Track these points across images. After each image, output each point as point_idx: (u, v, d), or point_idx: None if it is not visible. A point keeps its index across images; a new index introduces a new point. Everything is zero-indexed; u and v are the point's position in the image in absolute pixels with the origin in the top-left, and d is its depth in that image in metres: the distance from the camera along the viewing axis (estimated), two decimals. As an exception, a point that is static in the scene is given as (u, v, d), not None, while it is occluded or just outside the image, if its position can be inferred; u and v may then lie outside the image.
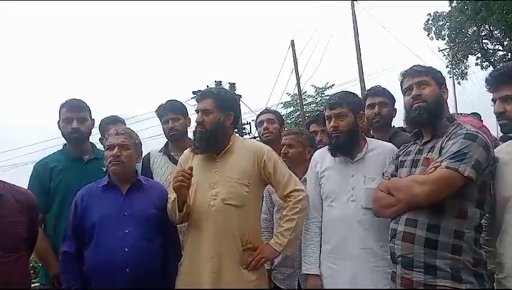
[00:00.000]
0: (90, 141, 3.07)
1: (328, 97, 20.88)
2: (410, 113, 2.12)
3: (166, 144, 3.26)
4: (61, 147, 3.06)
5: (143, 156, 2.80)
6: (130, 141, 2.50)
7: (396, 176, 2.16)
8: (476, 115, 5.95)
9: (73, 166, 2.89)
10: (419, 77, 2.10)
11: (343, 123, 2.42)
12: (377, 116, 2.95)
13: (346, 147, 2.43)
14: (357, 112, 2.46)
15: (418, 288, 1.90)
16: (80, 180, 2.66)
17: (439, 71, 2.19)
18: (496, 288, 1.97)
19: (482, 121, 5.87)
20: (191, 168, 2.29)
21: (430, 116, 2.06)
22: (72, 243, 2.41)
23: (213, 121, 2.43)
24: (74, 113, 2.90)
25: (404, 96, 2.19)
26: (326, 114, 2.51)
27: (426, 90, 2.07)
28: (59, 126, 2.97)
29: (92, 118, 3.05)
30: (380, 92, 3.03)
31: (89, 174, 2.68)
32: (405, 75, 2.17)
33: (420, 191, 1.90)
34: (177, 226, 2.57)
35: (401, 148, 2.28)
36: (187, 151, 2.60)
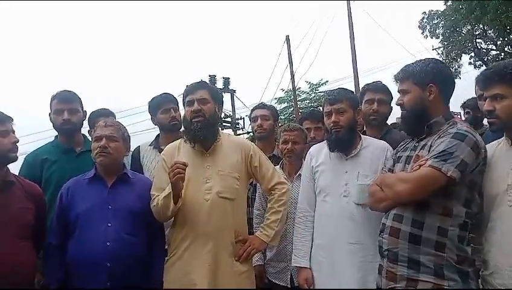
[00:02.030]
0: (82, 132, 3.05)
1: (322, 93, 20.88)
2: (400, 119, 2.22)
3: (157, 137, 3.23)
4: (53, 139, 3.04)
5: (133, 149, 2.79)
6: (118, 133, 2.48)
7: (393, 171, 2.19)
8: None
9: (65, 158, 2.87)
10: (400, 85, 2.14)
11: (344, 118, 2.44)
12: (375, 113, 2.89)
13: (345, 142, 2.45)
14: (355, 108, 2.50)
15: (401, 281, 1.93)
16: (72, 172, 2.64)
17: (423, 70, 2.08)
18: (481, 285, 1.99)
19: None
20: (185, 164, 2.26)
21: (410, 124, 2.14)
22: (56, 235, 2.40)
23: (211, 110, 2.46)
24: (65, 105, 2.88)
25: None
26: (325, 110, 2.51)
27: (406, 98, 2.11)
28: (50, 118, 2.95)
29: (84, 109, 3.03)
30: (381, 88, 2.94)
31: (80, 167, 2.66)
32: (395, 78, 2.20)
33: (402, 189, 1.93)
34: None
35: (402, 143, 2.29)
36: (170, 146, 2.58)
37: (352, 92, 2.62)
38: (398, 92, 2.16)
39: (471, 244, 2.02)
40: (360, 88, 3.30)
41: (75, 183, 2.48)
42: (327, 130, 2.54)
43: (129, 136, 2.60)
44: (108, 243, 2.28)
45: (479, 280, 1.99)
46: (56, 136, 3.02)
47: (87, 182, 2.47)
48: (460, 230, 1.92)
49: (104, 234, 2.29)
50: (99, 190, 2.43)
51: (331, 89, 2.83)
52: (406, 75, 2.11)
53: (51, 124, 2.96)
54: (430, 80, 2.06)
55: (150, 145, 3.19)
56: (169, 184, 2.28)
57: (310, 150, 2.71)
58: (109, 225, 2.32)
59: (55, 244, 2.39)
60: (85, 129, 3.18)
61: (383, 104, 2.89)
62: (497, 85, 1.89)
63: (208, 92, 2.48)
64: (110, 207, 2.37)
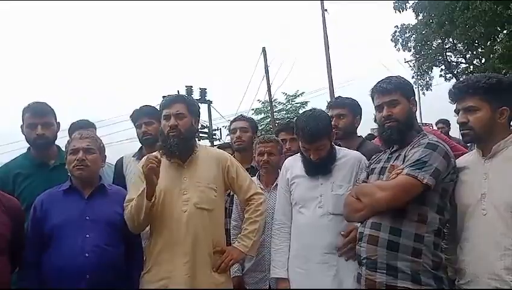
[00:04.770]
0: (56, 144, 2.97)
1: (298, 104, 20.98)
2: (382, 131, 2.21)
3: (140, 148, 3.23)
4: (25, 151, 2.96)
5: (115, 159, 2.75)
6: (95, 145, 2.45)
7: (367, 183, 2.23)
8: (445, 122, 6.15)
9: (38, 172, 2.80)
10: (388, 96, 2.16)
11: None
12: (334, 128, 2.91)
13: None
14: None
15: (380, 288, 1.97)
16: (45, 187, 2.55)
17: (407, 83, 2.25)
18: None
19: (450, 125, 6.06)
20: (159, 160, 2.25)
21: (401, 135, 2.15)
22: (31, 249, 2.34)
23: (187, 124, 2.47)
24: (38, 119, 2.80)
25: (376, 112, 2.26)
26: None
27: (396, 109, 2.15)
28: (22, 131, 2.86)
29: (57, 121, 2.95)
30: (337, 104, 3.07)
31: (54, 181, 2.58)
32: (374, 92, 2.23)
33: (381, 196, 1.98)
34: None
35: (374, 156, 2.36)
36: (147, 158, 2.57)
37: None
38: (381, 104, 2.18)
39: (445, 255, 2.08)
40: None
41: (49, 195, 2.43)
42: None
43: (104, 147, 2.57)
44: (87, 255, 2.25)
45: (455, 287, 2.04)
46: (28, 148, 2.94)
47: (62, 193, 2.42)
48: (435, 236, 1.99)
49: (82, 245, 2.26)
50: (75, 201, 2.39)
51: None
52: (393, 87, 2.16)
53: (23, 136, 2.88)
54: (412, 93, 2.21)
55: (133, 156, 3.18)
56: (144, 184, 2.26)
57: (285, 162, 2.74)
58: (87, 236, 2.29)
59: (30, 258, 2.32)
60: (61, 140, 3.10)
61: (340, 117, 2.98)
62: (471, 98, 1.97)
63: (185, 106, 2.48)
64: (87, 218, 2.34)
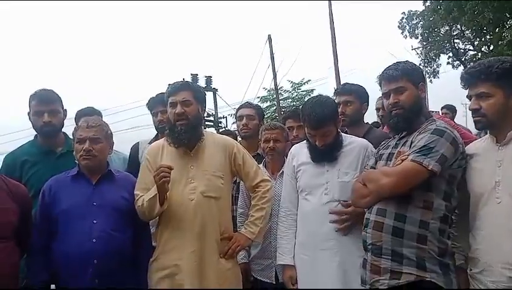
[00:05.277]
0: (63, 131, 2.97)
1: (304, 92, 20.90)
2: (389, 118, 2.20)
3: (156, 135, 3.24)
4: (33, 138, 2.97)
5: (121, 148, 2.77)
6: (101, 134, 2.44)
7: (375, 169, 2.23)
8: (450, 108, 6.04)
9: (45, 159, 2.81)
10: (395, 83, 2.13)
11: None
12: (341, 115, 2.92)
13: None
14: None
15: (384, 274, 1.98)
16: (52, 174, 2.56)
17: (415, 68, 2.21)
18: (473, 285, 1.99)
19: (456, 112, 5.97)
20: (170, 167, 2.26)
21: (407, 122, 2.13)
22: (40, 234, 2.36)
23: (194, 111, 2.46)
24: (45, 106, 2.80)
25: (383, 98, 2.24)
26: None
27: (403, 96, 2.12)
28: (30, 118, 2.88)
29: (64, 108, 2.95)
30: (344, 90, 3.04)
31: (61, 168, 2.59)
32: (381, 78, 2.21)
33: (386, 182, 1.97)
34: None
35: (383, 142, 2.35)
36: (154, 145, 2.58)
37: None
38: (388, 91, 2.16)
39: (454, 243, 2.07)
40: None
41: (57, 181, 2.44)
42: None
43: (112, 133, 2.57)
44: (94, 240, 2.26)
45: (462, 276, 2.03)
46: (36, 136, 2.95)
47: (70, 179, 2.43)
48: (441, 223, 1.97)
49: (89, 231, 2.27)
50: (83, 187, 2.40)
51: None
52: (400, 74, 2.13)
53: (30, 123, 2.89)
54: (421, 78, 2.18)
55: (149, 143, 3.15)
56: (155, 186, 2.28)
57: (291, 149, 2.73)
58: (94, 221, 2.30)
59: (38, 244, 2.34)
60: (68, 128, 3.12)
61: (348, 104, 2.96)
62: (483, 84, 1.92)
63: (191, 93, 2.47)
64: (95, 204, 2.35)
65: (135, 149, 3.20)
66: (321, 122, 2.41)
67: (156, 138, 3.19)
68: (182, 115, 2.42)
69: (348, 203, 2.37)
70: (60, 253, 2.29)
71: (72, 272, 2.25)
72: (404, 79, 2.12)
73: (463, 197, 2.05)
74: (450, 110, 5.95)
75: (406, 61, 2.24)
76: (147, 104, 3.32)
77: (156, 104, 3.21)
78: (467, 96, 2.03)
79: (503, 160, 1.90)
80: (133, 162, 3.11)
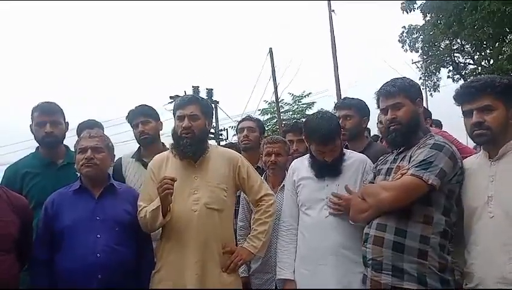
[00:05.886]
0: (64, 144, 3.00)
1: (305, 105, 20.89)
2: (387, 134, 2.21)
3: (139, 149, 3.21)
4: (34, 150, 2.99)
5: (115, 160, 2.76)
6: (103, 144, 2.47)
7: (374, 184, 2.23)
8: (437, 123, 6.06)
9: (46, 171, 2.83)
10: (392, 99, 2.16)
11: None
12: (342, 129, 2.96)
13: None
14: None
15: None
16: (54, 186, 2.59)
17: (413, 84, 2.23)
18: None
19: (442, 126, 5.99)
20: (173, 179, 2.26)
21: (405, 138, 2.15)
22: (42, 249, 2.36)
23: (201, 126, 2.48)
24: (47, 117, 2.84)
25: (381, 114, 2.26)
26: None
27: (400, 112, 2.14)
28: (31, 130, 2.91)
29: (66, 120, 2.99)
30: (344, 105, 3.06)
31: (62, 180, 2.62)
32: (379, 94, 2.23)
33: (386, 196, 1.98)
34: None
35: (381, 157, 2.36)
36: (158, 157, 2.58)
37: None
38: (386, 107, 2.18)
39: (452, 259, 2.05)
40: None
41: (59, 195, 2.45)
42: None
43: (113, 146, 2.59)
44: (98, 255, 2.27)
45: None
46: (37, 148, 2.98)
47: (72, 193, 2.44)
48: (441, 238, 1.97)
49: (93, 246, 2.28)
50: (86, 201, 2.41)
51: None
52: (397, 90, 2.15)
53: (32, 135, 2.91)
54: (418, 94, 2.20)
55: (132, 157, 3.17)
56: (158, 197, 2.29)
57: (292, 164, 2.74)
58: (98, 236, 2.31)
59: (41, 259, 2.34)
60: (70, 139, 3.13)
61: (347, 118, 2.96)
62: (488, 97, 1.90)
63: (199, 108, 2.50)
64: (98, 218, 2.36)
65: (118, 164, 3.14)
66: (330, 138, 2.43)
67: (138, 152, 3.17)
68: (188, 129, 2.44)
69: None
70: (64, 268, 2.29)
71: (76, 287, 2.25)
72: (402, 95, 2.14)
73: (460, 212, 2.05)
74: (437, 126, 5.98)
75: (404, 77, 2.28)
76: (127, 117, 3.24)
77: (135, 116, 3.16)
78: (463, 112, 2.01)
79: (495, 175, 1.91)
80: (118, 177, 3.03)
